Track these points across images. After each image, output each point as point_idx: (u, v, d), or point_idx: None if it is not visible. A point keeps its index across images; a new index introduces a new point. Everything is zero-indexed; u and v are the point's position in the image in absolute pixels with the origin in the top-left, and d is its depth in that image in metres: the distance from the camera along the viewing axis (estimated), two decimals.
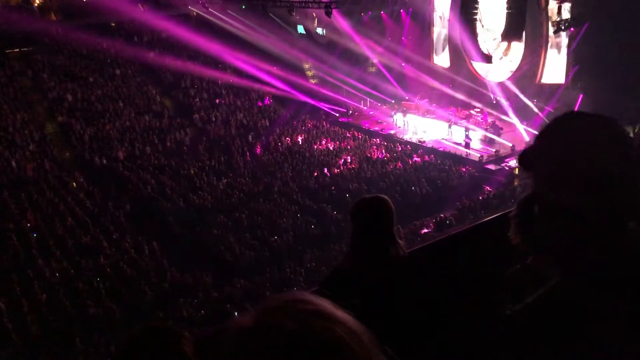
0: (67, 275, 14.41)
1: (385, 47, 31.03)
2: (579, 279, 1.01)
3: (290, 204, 18.88)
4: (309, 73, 32.51)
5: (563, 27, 22.70)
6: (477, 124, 24.83)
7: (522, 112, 24.31)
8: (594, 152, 0.97)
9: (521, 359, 1.03)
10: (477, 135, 23.93)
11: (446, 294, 2.40)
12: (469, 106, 26.74)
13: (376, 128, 27.38)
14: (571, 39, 23.19)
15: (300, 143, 25.40)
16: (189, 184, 20.47)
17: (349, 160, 23.00)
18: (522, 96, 24.39)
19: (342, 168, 22.15)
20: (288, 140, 25.51)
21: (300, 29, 33.57)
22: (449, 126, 24.66)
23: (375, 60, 31.40)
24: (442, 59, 30.26)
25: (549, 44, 24.42)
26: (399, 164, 22.20)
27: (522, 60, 25.44)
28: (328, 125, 28.02)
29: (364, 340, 0.79)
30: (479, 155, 22.43)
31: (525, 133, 23.81)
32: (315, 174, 21.60)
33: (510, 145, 23.13)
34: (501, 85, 25.55)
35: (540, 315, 1.02)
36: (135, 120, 25.86)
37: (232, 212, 18.32)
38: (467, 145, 23.25)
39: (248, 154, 23.96)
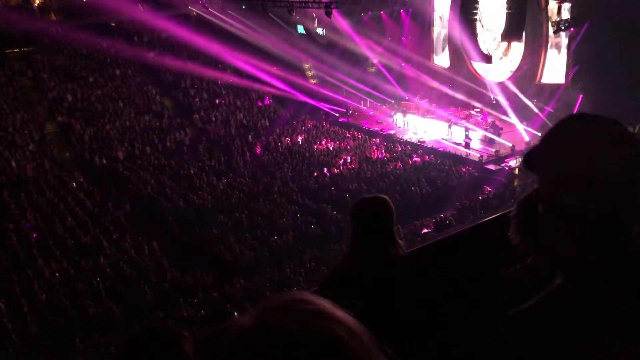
0: (67, 275, 14.42)
1: (385, 47, 31.05)
2: (580, 280, 1.01)
3: (290, 204, 18.88)
4: (309, 73, 32.52)
5: (563, 27, 22.71)
6: (477, 124, 24.83)
7: (522, 112, 24.31)
8: (597, 154, 0.97)
9: (522, 359, 1.03)
10: (477, 135, 23.93)
11: (446, 294, 2.40)
12: (468, 106, 26.75)
13: (376, 128, 27.39)
14: (571, 39, 23.19)
15: (300, 143, 25.41)
16: (189, 184, 20.47)
17: (349, 160, 23.01)
18: (522, 96, 24.40)
19: (342, 168, 22.15)
20: (288, 140, 25.52)
21: (300, 29, 33.58)
22: (449, 126, 24.66)
23: (375, 61, 31.41)
24: (442, 59, 30.26)
25: (549, 44, 24.43)
26: (399, 164, 22.21)
27: (522, 61, 25.45)
28: (328, 126, 28.02)
29: (364, 340, 0.79)
30: (479, 155, 22.43)
31: (525, 133, 23.81)
32: (315, 174, 21.60)
33: (510, 145, 23.14)
34: (501, 85, 25.55)
35: (543, 316, 1.02)
36: (135, 120, 25.86)
37: (232, 212, 18.32)
38: (467, 146, 23.26)
39: (248, 154, 23.96)
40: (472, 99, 26.75)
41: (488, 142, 23.56)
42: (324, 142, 25.35)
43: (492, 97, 26.10)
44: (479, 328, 1.96)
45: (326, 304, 0.82)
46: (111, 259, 15.30)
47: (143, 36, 31.10)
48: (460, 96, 27.24)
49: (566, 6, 22.62)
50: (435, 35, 30.33)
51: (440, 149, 23.60)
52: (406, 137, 25.51)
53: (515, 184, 20.49)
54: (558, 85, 23.88)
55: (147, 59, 28.73)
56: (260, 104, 29.48)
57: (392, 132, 26.55)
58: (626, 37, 18.75)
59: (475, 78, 27.38)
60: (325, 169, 21.90)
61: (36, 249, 15.57)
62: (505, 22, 22.96)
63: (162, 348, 1.59)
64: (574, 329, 0.97)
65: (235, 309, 12.46)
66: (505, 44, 25.03)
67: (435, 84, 28.71)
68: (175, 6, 31.73)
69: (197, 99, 28.55)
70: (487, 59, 25.24)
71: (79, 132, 24.11)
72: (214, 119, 27.15)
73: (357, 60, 30.91)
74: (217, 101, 28.73)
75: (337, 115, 29.68)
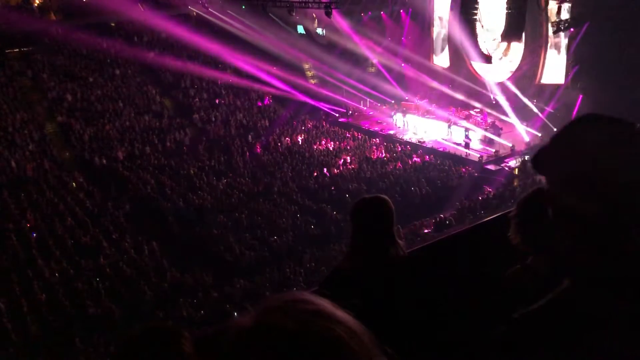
0: (66, 275, 14.42)
1: (385, 48, 31.05)
2: (583, 280, 1.01)
3: (290, 204, 18.88)
4: (309, 73, 32.52)
5: (563, 28, 22.70)
6: (477, 124, 24.83)
7: (522, 113, 24.32)
8: (599, 154, 0.97)
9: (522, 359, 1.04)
10: (476, 135, 23.93)
11: (446, 294, 2.40)
12: (468, 106, 26.75)
13: (376, 128, 27.39)
14: (571, 39, 23.18)
15: (300, 143, 25.41)
16: (189, 184, 20.47)
17: (349, 161, 23.01)
18: (521, 96, 24.39)
19: (341, 168, 22.16)
20: (288, 140, 25.51)
21: (300, 29, 33.57)
22: (449, 126, 24.67)
23: (375, 61, 31.41)
24: (441, 59, 30.26)
25: (549, 44, 24.41)
26: (399, 164, 22.21)
27: (521, 61, 25.44)
28: (328, 126, 28.02)
29: (364, 340, 0.79)
30: (479, 155, 22.43)
31: (525, 133, 23.82)
32: (315, 174, 21.60)
33: (510, 145, 23.15)
34: (501, 85, 25.55)
35: (550, 319, 1.02)
36: (135, 120, 25.86)
37: (231, 212, 18.32)
38: (466, 146, 23.26)
39: (248, 154, 23.96)
40: (472, 99, 26.75)
41: (488, 142, 23.56)
42: (323, 142, 25.35)
43: (491, 97, 26.09)
44: (479, 328, 1.96)
45: (326, 304, 0.82)
46: (111, 259, 15.30)
47: (143, 36, 31.09)
48: (460, 96, 27.24)
49: (566, 6, 22.60)
50: (435, 35, 30.31)
51: (440, 149, 23.61)
52: (406, 137, 25.51)
53: (515, 184, 20.49)
54: (558, 86, 23.88)
55: (147, 59, 28.73)
56: (260, 104, 29.48)
57: (392, 132, 26.55)
58: (626, 37, 18.75)
59: (475, 78, 27.37)
60: (325, 169, 21.90)
61: (36, 249, 15.58)
62: (505, 22, 22.95)
63: (162, 348, 1.59)
64: (577, 331, 0.97)
65: (235, 309, 12.46)
66: (505, 44, 25.01)
67: (435, 84, 28.71)
68: (175, 6, 31.71)
69: (197, 99, 28.55)
70: (487, 59, 25.23)
71: (79, 132, 24.10)
72: (213, 119, 27.15)
73: (357, 61, 30.91)
74: (217, 101, 28.73)
75: (337, 115, 29.68)
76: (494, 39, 25.45)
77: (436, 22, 30.03)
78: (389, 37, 31.71)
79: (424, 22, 30.53)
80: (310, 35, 33.35)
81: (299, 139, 25.87)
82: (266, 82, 28.67)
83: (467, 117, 25.63)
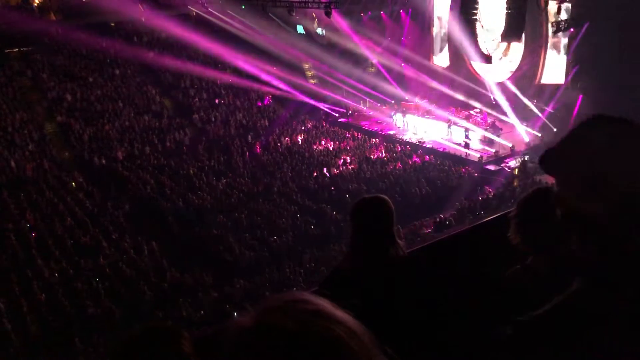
0: (66, 275, 14.42)
1: (385, 48, 31.05)
2: (590, 282, 1.01)
3: (290, 204, 18.88)
4: (309, 73, 32.52)
5: (563, 28, 22.71)
6: (477, 125, 24.83)
7: (522, 113, 24.32)
8: (616, 159, 0.96)
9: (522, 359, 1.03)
10: (476, 135, 23.93)
11: (446, 294, 2.40)
12: (468, 106, 26.75)
13: (376, 128, 27.40)
14: (571, 39, 23.18)
15: (299, 143, 25.41)
16: (189, 184, 20.47)
17: (349, 161, 23.02)
18: (521, 96, 24.39)
19: (341, 168, 22.16)
20: (287, 140, 25.52)
21: (300, 29, 33.58)
22: (449, 126, 24.67)
23: (374, 61, 31.41)
24: (441, 59, 30.26)
25: (549, 44, 24.42)
26: (399, 165, 22.22)
27: (521, 61, 25.45)
28: (328, 126, 28.03)
29: (364, 340, 0.79)
30: (479, 155, 22.44)
31: (524, 134, 23.82)
32: (315, 174, 21.60)
33: (510, 145, 23.16)
34: (501, 85, 25.55)
35: (560, 322, 1.02)
36: (135, 120, 25.86)
37: (231, 212, 18.32)
38: (466, 146, 23.27)
39: (247, 154, 23.96)
40: (472, 99, 26.75)
41: (488, 142, 23.57)
42: (323, 142, 25.36)
43: (491, 97, 26.09)
44: (479, 328, 1.96)
45: (326, 304, 0.82)
46: (110, 259, 15.29)
47: (143, 36, 31.09)
48: (460, 96, 27.25)
49: (566, 6, 22.61)
50: (435, 35, 30.32)
51: (440, 149, 23.61)
52: (406, 138, 25.52)
53: (515, 184, 20.50)
54: (558, 86, 23.87)
55: (147, 59, 28.72)
56: (259, 104, 29.48)
57: (391, 132, 26.57)
58: (626, 37, 18.75)
59: (475, 78, 27.37)
60: (325, 169, 21.90)
61: (35, 249, 15.57)
62: (505, 22, 22.95)
63: (161, 348, 1.59)
64: (580, 331, 0.97)
65: (235, 309, 12.46)
66: (504, 44, 25.01)
67: (435, 84, 28.71)
68: (175, 6, 31.71)
69: (197, 99, 28.55)
70: (487, 59, 25.22)
71: (79, 132, 24.10)
72: (213, 119, 27.15)
73: (356, 61, 30.92)
74: (216, 101, 28.73)
75: (337, 115, 29.69)
76: (494, 39, 25.45)
77: (436, 22, 30.04)
78: (388, 37, 31.72)
79: (423, 22, 30.54)
80: (310, 35, 33.36)
81: (299, 139, 25.87)
82: (266, 82, 28.68)
83: (467, 117, 25.63)
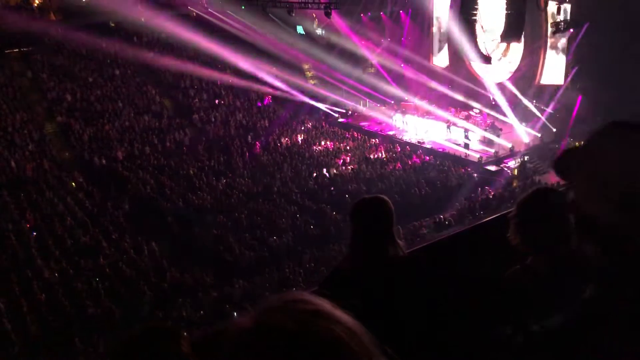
0: (66, 275, 14.41)
1: (385, 48, 31.07)
2: (605, 286, 1.00)
3: (290, 204, 18.88)
4: (309, 74, 32.52)
5: (562, 28, 22.73)
6: (477, 125, 24.84)
7: (521, 113, 24.32)
8: (634, 167, 0.95)
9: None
10: (476, 136, 23.94)
11: (446, 294, 2.40)
12: (468, 107, 26.74)
13: (375, 129, 27.40)
14: (570, 39, 23.20)
15: (299, 143, 25.41)
16: (188, 184, 20.47)
17: (348, 161, 23.02)
18: (521, 97, 24.40)
19: (341, 169, 22.16)
20: (287, 140, 25.52)
21: (300, 29, 33.58)
22: (448, 127, 24.68)
23: (374, 61, 31.42)
24: (441, 60, 30.28)
25: (548, 45, 24.43)
26: (398, 165, 22.22)
27: (521, 61, 25.46)
28: (327, 126, 28.04)
29: (363, 340, 0.80)
30: (478, 156, 22.44)
31: (524, 134, 23.82)
32: (315, 174, 21.60)
33: (509, 146, 23.15)
34: (500, 86, 25.56)
35: (577, 334, 1.00)
36: (135, 120, 25.85)
37: (231, 212, 18.32)
38: (466, 146, 23.27)
39: (247, 154, 23.96)
40: (472, 100, 26.75)
41: (487, 142, 23.57)
42: (323, 142, 25.36)
43: (491, 97, 26.10)
44: (479, 328, 1.96)
45: (326, 304, 0.82)
46: (110, 259, 15.29)
47: (143, 36, 31.08)
48: (459, 97, 27.25)
49: (565, 7, 22.62)
50: (434, 35, 30.34)
51: (440, 150, 23.62)
52: (405, 138, 25.53)
53: (514, 184, 20.52)
54: (557, 86, 23.88)
55: (147, 59, 28.70)
56: (259, 104, 29.48)
57: (391, 132, 26.57)
58: (626, 37, 18.75)
59: (474, 79, 27.38)
60: (325, 170, 21.90)
61: (35, 249, 15.56)
62: (505, 23, 22.96)
63: (161, 348, 1.59)
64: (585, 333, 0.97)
65: (234, 309, 12.47)
66: (504, 44, 25.02)
67: (434, 85, 28.72)
68: (175, 6, 31.70)
69: (197, 100, 28.55)
70: (486, 59, 25.24)
71: (79, 132, 24.09)
72: (213, 119, 27.15)
73: (356, 61, 30.93)
74: (216, 101, 28.73)
75: (337, 115, 29.69)
76: (493, 40, 25.46)
77: (436, 23, 30.05)
78: (388, 38, 31.73)
79: (423, 23, 30.55)
80: (309, 35, 33.36)
81: (299, 139, 25.87)
82: (266, 82, 28.67)
83: (467, 118, 25.64)
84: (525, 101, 24.27)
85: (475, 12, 24.60)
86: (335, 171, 21.76)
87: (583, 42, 22.23)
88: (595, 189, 0.96)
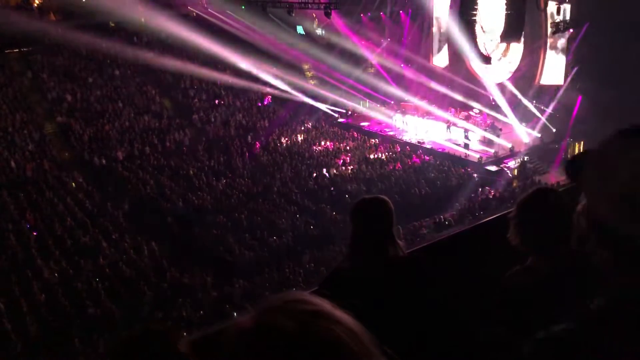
0: (66, 275, 14.40)
1: (385, 48, 31.06)
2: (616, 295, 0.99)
3: (290, 204, 18.88)
4: (308, 74, 32.53)
5: (562, 28, 22.72)
6: (476, 125, 24.84)
7: (521, 113, 24.32)
8: (624, 166, 0.94)
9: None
10: (476, 136, 23.94)
11: (446, 295, 2.40)
12: (468, 107, 26.74)
13: (375, 129, 27.40)
14: (570, 40, 23.20)
15: (299, 144, 25.41)
16: (188, 185, 20.47)
17: (348, 161, 23.02)
18: (521, 97, 24.40)
19: (341, 169, 22.16)
20: (287, 140, 25.51)
21: (300, 29, 33.59)
22: (448, 127, 24.68)
23: (374, 62, 31.42)
24: (441, 60, 30.27)
25: (548, 45, 24.43)
26: (398, 165, 22.22)
27: (521, 61, 25.45)
28: (327, 126, 28.04)
29: (363, 340, 0.80)
30: (478, 156, 22.45)
31: (524, 134, 23.82)
32: (315, 174, 21.60)
33: (509, 146, 23.15)
34: (500, 86, 25.56)
35: (587, 341, 0.99)
36: (135, 120, 25.86)
37: (231, 212, 18.32)
38: (466, 146, 23.27)
39: (247, 154, 23.96)
40: (471, 100, 26.75)
41: (487, 143, 23.57)
42: (323, 142, 25.36)
43: (491, 98, 26.10)
44: (479, 328, 1.96)
45: (325, 304, 0.82)
46: (110, 259, 15.29)
47: (143, 36, 31.08)
48: (459, 97, 27.24)
49: (565, 7, 22.62)
50: (434, 36, 30.33)
51: (440, 150, 23.62)
52: (405, 138, 25.53)
53: (514, 185, 20.52)
54: (557, 87, 23.88)
55: (147, 59, 28.69)
56: (259, 104, 29.48)
57: (391, 132, 26.56)
58: (626, 37, 18.74)
59: (474, 79, 27.37)
60: (325, 170, 21.90)
61: (35, 249, 15.56)
62: (505, 23, 22.97)
63: (160, 348, 1.59)
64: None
65: (234, 309, 12.46)
66: (504, 44, 25.02)
67: (434, 85, 28.72)
68: (175, 6, 31.71)
69: (197, 100, 28.55)
70: (486, 59, 25.24)
71: (79, 133, 24.10)
72: (213, 119, 27.15)
73: (356, 61, 30.94)
74: (216, 102, 28.72)
75: (337, 115, 29.69)
76: (493, 40, 25.46)
77: (435, 23, 30.04)
78: (388, 38, 31.73)
79: (423, 23, 30.56)
80: (309, 35, 33.37)
81: (299, 139, 25.87)
82: (266, 82, 28.67)
83: (467, 118, 25.64)
84: (525, 101, 24.26)
85: (475, 12, 24.62)
86: (335, 171, 21.76)
87: (583, 42, 22.23)
88: (608, 195, 0.95)
